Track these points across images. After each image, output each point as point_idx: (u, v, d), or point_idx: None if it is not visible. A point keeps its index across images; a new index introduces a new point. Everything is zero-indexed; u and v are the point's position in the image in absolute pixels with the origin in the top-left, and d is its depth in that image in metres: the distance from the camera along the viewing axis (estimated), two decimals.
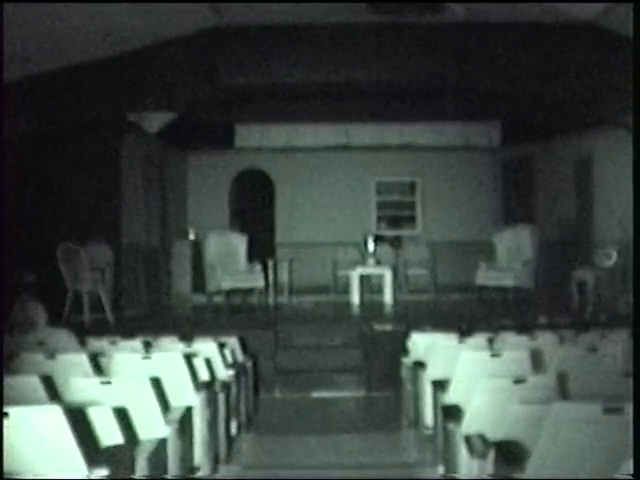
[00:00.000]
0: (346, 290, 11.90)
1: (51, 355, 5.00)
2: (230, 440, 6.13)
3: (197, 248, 12.91)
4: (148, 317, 11.05)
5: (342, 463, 5.88)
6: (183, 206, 14.77)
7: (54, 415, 3.05)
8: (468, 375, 4.62)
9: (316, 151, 13.83)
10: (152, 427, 4.10)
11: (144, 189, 12.27)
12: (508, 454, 3.49)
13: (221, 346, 6.43)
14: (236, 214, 15.26)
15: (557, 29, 8.32)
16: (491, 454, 3.55)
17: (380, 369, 8.58)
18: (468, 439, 3.87)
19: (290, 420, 7.59)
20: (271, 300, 12.10)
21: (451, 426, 4.37)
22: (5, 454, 2.93)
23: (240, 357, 7.29)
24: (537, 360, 5.01)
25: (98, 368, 5.20)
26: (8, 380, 3.97)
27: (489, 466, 3.54)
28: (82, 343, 6.39)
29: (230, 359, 6.62)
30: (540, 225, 13.05)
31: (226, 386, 5.97)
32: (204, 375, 5.55)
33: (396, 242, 13.78)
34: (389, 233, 14.51)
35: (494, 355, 4.86)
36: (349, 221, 14.87)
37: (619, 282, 10.20)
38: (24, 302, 7.62)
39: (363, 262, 12.18)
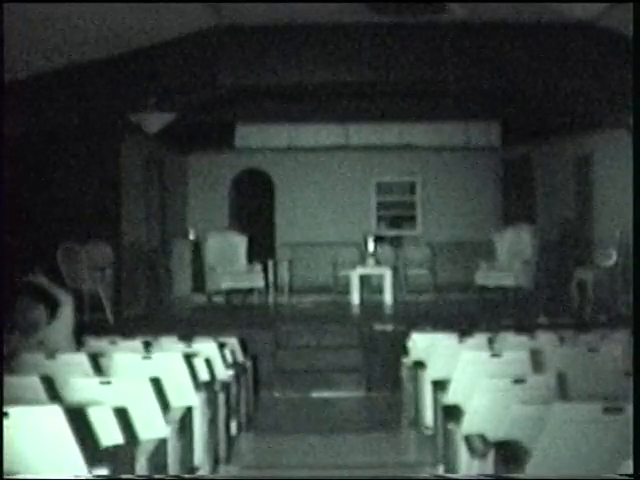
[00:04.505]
0: (346, 290, 11.89)
1: (51, 355, 5.00)
2: (230, 440, 6.13)
3: (197, 248, 12.92)
4: (148, 317, 11.05)
5: (342, 463, 5.89)
6: (183, 206, 14.77)
7: (54, 415, 3.05)
8: (468, 375, 4.62)
9: (316, 151, 13.83)
10: (152, 427, 4.10)
11: (144, 189, 12.27)
12: (508, 454, 3.49)
13: (221, 346, 6.43)
14: (236, 214, 15.26)
15: (557, 29, 8.32)
16: (491, 454, 3.55)
17: (380, 369, 8.58)
18: (468, 439, 3.88)
19: (290, 420, 7.59)
20: (271, 300, 12.10)
21: (451, 426, 4.37)
22: (5, 454, 2.93)
23: (240, 357, 7.29)
24: (537, 360, 5.01)
25: (98, 368, 5.20)
26: (8, 380, 3.97)
27: (489, 466, 3.54)
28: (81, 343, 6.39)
29: (230, 359, 6.62)
30: (540, 225, 13.06)
31: (226, 386, 5.97)
32: (204, 375, 5.55)
33: (396, 242, 13.78)
34: (389, 233, 14.51)
35: (494, 355, 4.86)
36: (349, 221, 14.88)
37: (619, 282, 10.19)
38: (24, 302, 7.61)
39: (363, 262, 12.17)
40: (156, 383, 4.36)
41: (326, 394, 8.52)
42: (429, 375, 5.66)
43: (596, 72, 8.44)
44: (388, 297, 11.61)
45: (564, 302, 10.74)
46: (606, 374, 4.57)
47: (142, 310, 11.45)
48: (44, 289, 6.35)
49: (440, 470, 4.98)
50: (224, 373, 6.11)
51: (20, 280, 7.01)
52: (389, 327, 9.27)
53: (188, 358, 5.24)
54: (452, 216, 15.01)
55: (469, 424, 4.00)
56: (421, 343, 6.44)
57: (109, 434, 3.65)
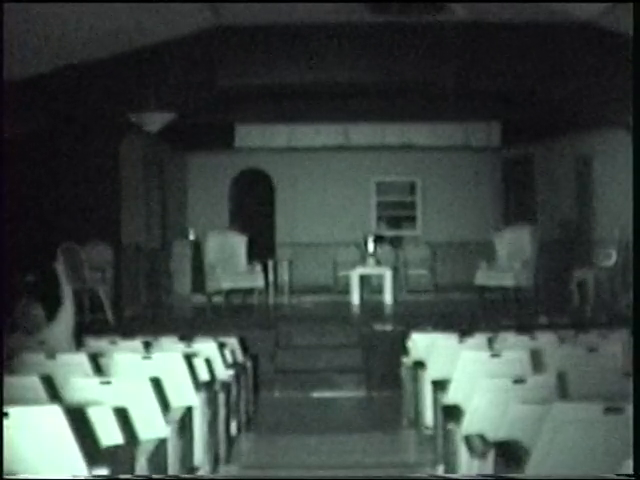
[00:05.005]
0: (346, 290, 11.89)
1: (51, 355, 5.01)
2: (230, 440, 6.13)
3: (197, 248, 12.91)
4: (148, 317, 11.04)
5: (342, 463, 5.88)
6: (183, 206, 14.77)
7: (54, 415, 3.05)
8: (468, 375, 4.62)
9: (316, 151, 13.82)
10: (152, 427, 4.10)
11: (144, 189, 12.27)
12: (508, 454, 3.49)
13: (221, 346, 6.43)
14: (236, 214, 15.25)
15: (557, 29, 8.32)
16: (491, 454, 3.55)
17: (380, 369, 8.58)
18: (468, 439, 3.87)
19: (290, 420, 7.59)
20: (271, 300, 12.10)
21: (451, 426, 4.37)
22: (5, 454, 2.92)
23: (240, 357, 7.29)
24: (537, 360, 5.01)
25: (98, 368, 5.20)
26: (8, 380, 3.97)
27: (489, 466, 3.54)
28: (81, 343, 6.40)
29: (230, 359, 6.62)
30: (540, 225, 13.05)
31: (226, 386, 5.97)
32: (204, 375, 5.55)
33: (396, 242, 13.78)
34: (389, 233, 14.51)
35: (494, 355, 4.86)
36: (349, 221, 14.87)
37: (619, 282, 10.20)
38: (24, 303, 7.62)
39: (363, 262, 12.17)
40: (156, 383, 4.36)
41: (326, 394, 8.52)
42: (429, 375, 5.66)
43: (596, 72, 8.45)
44: (388, 297, 11.61)
45: (564, 302, 10.74)
46: (606, 374, 4.56)
47: (142, 310, 11.45)
48: (53, 283, 6.35)
49: (440, 470, 4.98)
50: (224, 373, 6.11)
51: (21, 280, 7.02)
52: (389, 327, 9.27)
53: (188, 358, 5.24)
54: (452, 216, 15.00)
55: (469, 424, 4.00)
56: (421, 343, 6.44)
57: (109, 434, 3.65)
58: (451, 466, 4.43)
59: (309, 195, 15.12)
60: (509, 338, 6.07)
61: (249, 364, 7.61)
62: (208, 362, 5.74)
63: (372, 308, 11.22)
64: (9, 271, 7.81)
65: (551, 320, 9.24)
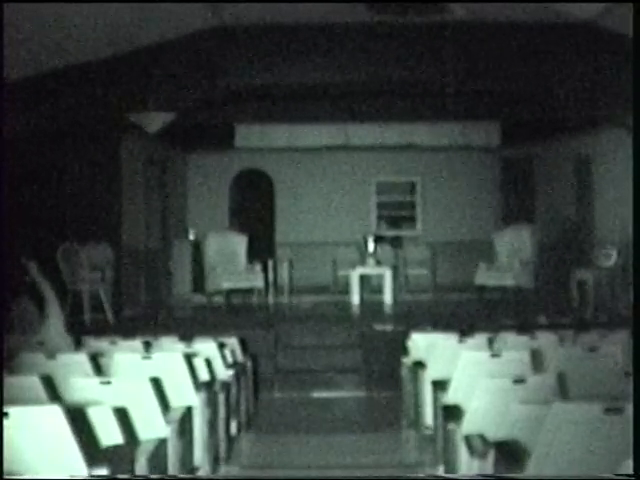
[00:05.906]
0: (346, 290, 11.90)
1: (51, 355, 5.01)
2: (230, 440, 6.13)
3: (197, 248, 12.92)
4: (148, 317, 11.05)
5: (342, 463, 5.88)
6: (183, 206, 14.77)
7: (54, 415, 3.05)
8: (468, 375, 4.62)
9: (316, 151, 13.82)
10: (152, 427, 4.10)
11: (144, 189, 12.27)
12: (508, 454, 3.49)
13: (221, 346, 6.43)
14: (236, 214, 15.26)
15: (557, 29, 8.32)
16: (491, 454, 3.55)
17: (380, 369, 8.58)
18: (468, 439, 3.88)
19: (290, 420, 7.59)
20: (271, 300, 12.10)
21: (451, 426, 4.37)
22: (5, 454, 2.92)
23: (240, 357, 7.29)
24: (537, 360, 5.02)
25: (98, 368, 5.20)
26: (8, 380, 3.97)
27: (489, 466, 3.54)
28: (80, 343, 6.40)
29: (230, 359, 6.62)
30: (540, 225, 13.06)
31: (226, 386, 5.97)
32: (204, 375, 5.55)
33: (396, 242, 13.79)
34: (389, 233, 14.51)
35: (494, 355, 4.87)
36: (349, 221, 14.88)
37: (619, 282, 10.19)
38: (22, 303, 7.63)
39: (363, 262, 12.18)
40: (156, 383, 4.36)
41: (326, 394, 8.52)
42: (429, 375, 5.66)
43: (596, 72, 8.44)
44: (388, 297, 11.60)
45: (564, 302, 10.74)
46: (606, 374, 4.57)
47: (142, 310, 11.45)
48: (33, 282, 6.37)
49: (440, 470, 4.98)
50: (224, 373, 6.11)
51: (22, 280, 7.02)
52: (389, 327, 9.26)
53: (188, 358, 5.24)
54: (452, 216, 15.00)
55: (469, 424, 4.00)
56: (421, 343, 6.44)
57: (109, 434, 3.65)
58: (451, 466, 4.43)
59: (309, 195, 15.12)
60: (509, 338, 6.07)
61: (249, 364, 7.61)
62: (208, 362, 5.74)
63: (372, 308, 11.22)
64: (9, 271, 7.81)
65: (551, 320, 9.24)
